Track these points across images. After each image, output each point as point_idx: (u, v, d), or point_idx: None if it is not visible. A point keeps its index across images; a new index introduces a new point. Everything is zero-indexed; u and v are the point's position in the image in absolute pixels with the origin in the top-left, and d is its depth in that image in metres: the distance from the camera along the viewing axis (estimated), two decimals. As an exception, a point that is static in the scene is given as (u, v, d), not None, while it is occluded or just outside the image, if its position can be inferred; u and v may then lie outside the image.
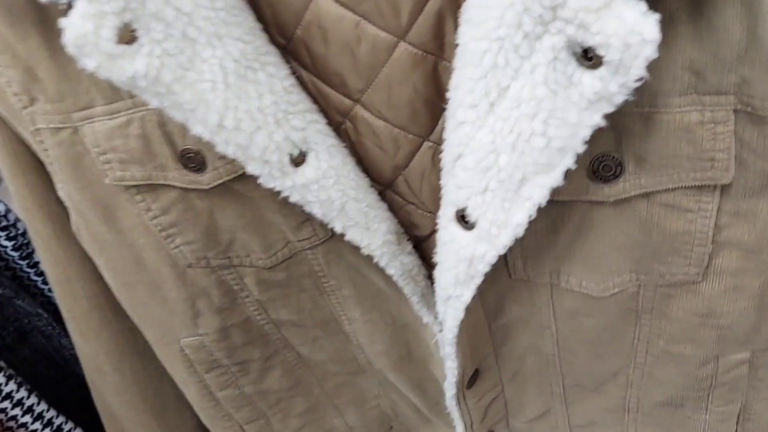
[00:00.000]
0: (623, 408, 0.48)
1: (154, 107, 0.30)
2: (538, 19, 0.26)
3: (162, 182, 0.38)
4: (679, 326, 0.39)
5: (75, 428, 0.62)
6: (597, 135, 0.28)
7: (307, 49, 0.35)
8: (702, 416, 0.45)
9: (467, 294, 0.36)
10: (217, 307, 0.45)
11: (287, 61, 0.36)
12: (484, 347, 0.45)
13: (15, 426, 0.57)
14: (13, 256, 0.63)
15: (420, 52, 0.34)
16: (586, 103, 0.26)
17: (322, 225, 0.38)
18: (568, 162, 0.28)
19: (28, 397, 0.57)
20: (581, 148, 0.28)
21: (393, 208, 0.42)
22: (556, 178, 0.29)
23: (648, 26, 0.23)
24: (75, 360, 0.60)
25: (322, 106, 0.37)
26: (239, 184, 0.38)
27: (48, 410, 0.59)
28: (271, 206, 0.39)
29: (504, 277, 0.42)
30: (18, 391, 0.57)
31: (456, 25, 0.31)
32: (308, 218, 0.39)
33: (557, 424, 0.53)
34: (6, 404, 0.56)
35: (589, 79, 0.26)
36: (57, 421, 0.60)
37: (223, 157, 0.35)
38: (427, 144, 0.38)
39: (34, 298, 0.64)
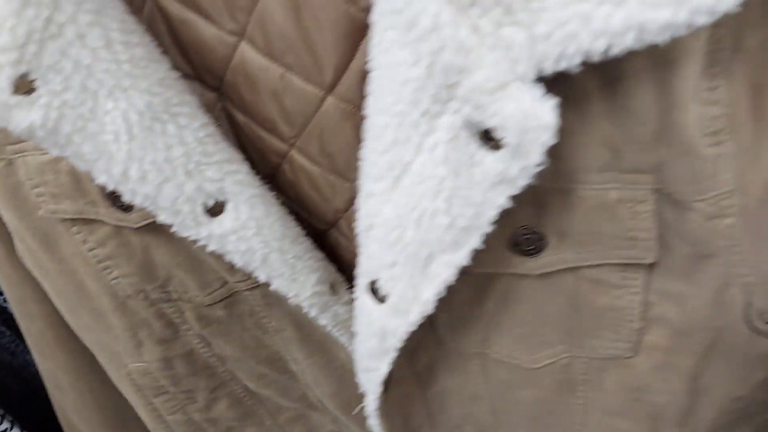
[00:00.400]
0: None
1: None
2: (434, 97, 0.24)
3: (94, 217, 0.38)
4: (614, 400, 0.37)
5: None
6: (516, 209, 0.26)
7: (238, 94, 0.35)
8: None
9: (383, 368, 0.35)
10: (159, 338, 0.45)
11: (221, 103, 0.35)
12: (417, 416, 0.44)
13: None
14: None
15: (350, 106, 0.33)
16: (489, 183, 0.25)
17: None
18: (475, 242, 0.27)
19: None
20: (488, 228, 0.26)
21: (339, 248, 0.41)
22: (463, 257, 0.27)
23: (545, 111, 0.22)
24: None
25: (259, 147, 0.37)
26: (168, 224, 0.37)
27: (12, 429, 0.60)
28: (203, 248, 0.39)
29: (433, 346, 0.40)
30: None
31: None
32: None
33: None
34: None
35: (490, 161, 0.24)
36: None
37: None
38: None
39: None
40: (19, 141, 0.36)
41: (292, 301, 0.37)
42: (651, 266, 0.30)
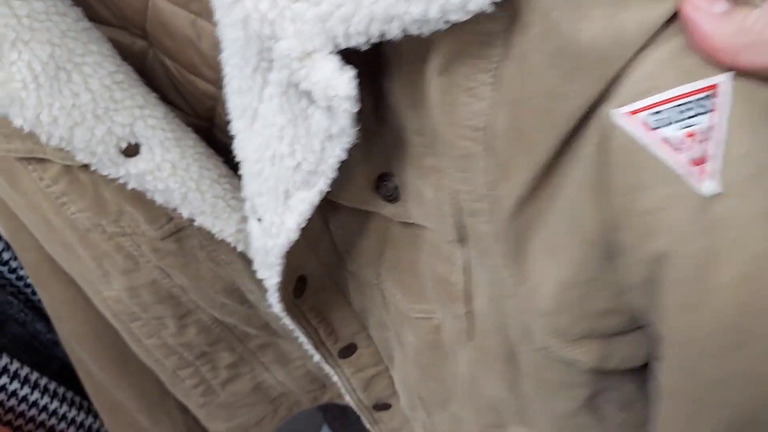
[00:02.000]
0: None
1: None
2: (259, 56, 0.26)
3: (42, 156, 0.41)
4: (467, 380, 0.39)
5: (67, 391, 0.67)
6: (375, 154, 0.28)
7: (160, 41, 0.37)
8: None
9: (274, 277, 0.37)
10: (122, 269, 0.49)
11: (151, 50, 0.37)
12: (351, 324, 0.46)
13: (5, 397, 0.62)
14: None
15: None
16: (324, 135, 0.26)
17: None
18: (324, 184, 0.29)
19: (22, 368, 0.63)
20: (332, 174, 0.28)
21: None
22: (315, 196, 0.29)
23: (344, 82, 0.23)
24: (54, 344, 0.63)
25: (191, 91, 0.39)
26: None
27: (30, 372, 0.64)
28: None
29: (337, 266, 0.43)
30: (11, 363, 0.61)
31: None
32: None
33: (426, 426, 0.53)
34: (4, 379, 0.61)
35: (318, 116, 0.26)
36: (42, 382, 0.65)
37: None
38: None
39: (2, 288, 0.66)
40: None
41: (217, 236, 0.40)
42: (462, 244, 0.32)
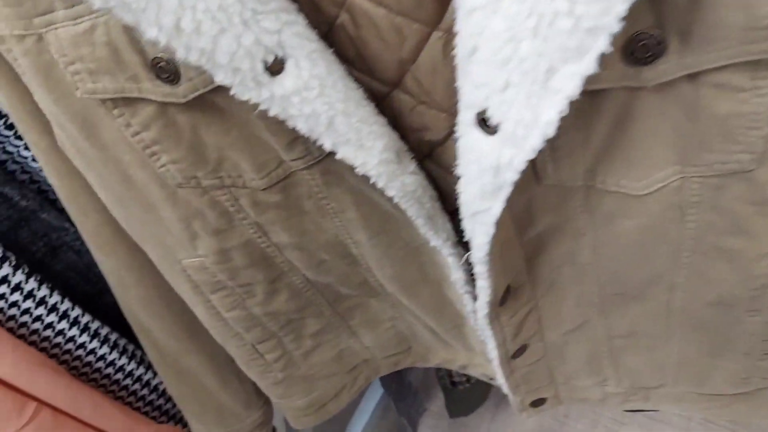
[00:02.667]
0: (667, 313, 0.45)
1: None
2: None
3: (137, 95, 0.34)
4: (731, 218, 0.35)
5: (111, 332, 0.62)
6: (633, 10, 0.23)
7: None
8: (754, 318, 0.41)
9: (496, 207, 0.32)
10: (214, 229, 0.43)
11: None
12: (515, 262, 0.42)
13: (52, 334, 0.58)
14: (34, 168, 0.61)
15: None
16: None
17: (316, 144, 0.35)
18: (602, 44, 0.23)
19: (62, 302, 0.58)
20: (617, 27, 0.23)
21: (402, 111, 0.37)
22: (588, 65, 0.24)
23: None
24: None
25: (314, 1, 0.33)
26: (219, 97, 0.34)
27: (83, 315, 0.59)
28: (257, 122, 0.35)
29: (532, 184, 0.38)
30: (51, 295, 0.57)
31: None
32: (299, 135, 0.36)
33: (595, 335, 0.50)
34: (41, 310, 0.56)
35: None
36: (93, 326, 0.60)
37: (197, 67, 0.31)
38: (436, 34, 0.33)
39: (60, 212, 0.62)
40: (47, 12, 0.32)
41: (360, 170, 0.35)
42: None
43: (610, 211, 0.38)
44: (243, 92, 0.30)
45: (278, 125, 0.34)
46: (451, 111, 0.35)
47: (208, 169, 0.39)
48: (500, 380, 0.54)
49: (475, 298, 0.43)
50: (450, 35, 0.32)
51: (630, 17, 0.23)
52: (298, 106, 0.31)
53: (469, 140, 0.32)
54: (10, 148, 0.56)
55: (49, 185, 0.61)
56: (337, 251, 0.46)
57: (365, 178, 0.36)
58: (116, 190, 0.42)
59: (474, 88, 0.29)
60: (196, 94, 0.33)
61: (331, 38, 0.34)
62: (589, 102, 0.31)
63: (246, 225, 0.43)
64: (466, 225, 0.37)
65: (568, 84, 0.25)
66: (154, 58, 0.32)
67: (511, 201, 0.34)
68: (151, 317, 0.56)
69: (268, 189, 0.40)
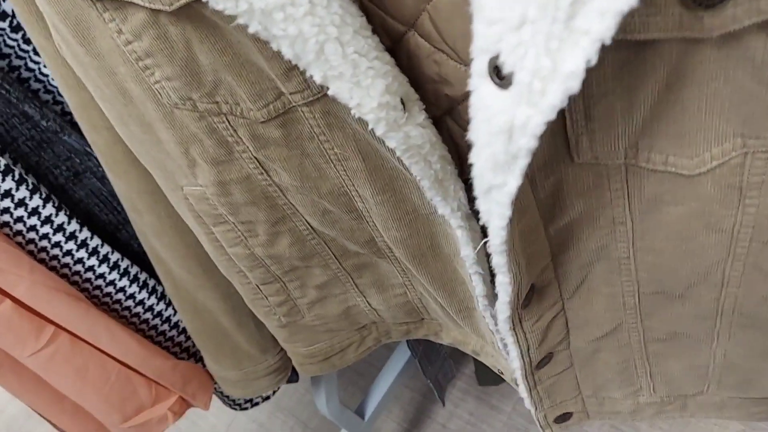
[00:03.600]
0: (715, 312, 0.39)
1: None
2: None
3: None
4: None
5: (131, 266, 0.61)
6: None
7: None
8: None
9: (512, 182, 0.27)
10: (213, 158, 0.40)
11: None
12: (541, 256, 0.37)
13: (71, 261, 0.57)
14: (56, 87, 0.58)
15: None
16: None
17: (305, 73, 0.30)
18: None
19: (80, 231, 0.57)
20: None
21: (418, 57, 0.32)
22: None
23: None
24: None
25: None
26: (207, 9, 0.30)
27: (102, 245, 0.59)
28: (249, 43, 0.32)
29: (564, 161, 0.32)
30: (69, 223, 0.56)
31: None
32: (296, 66, 0.31)
33: (629, 341, 0.45)
34: (59, 236, 0.56)
35: None
36: (112, 258, 0.60)
37: None
38: None
39: (83, 136, 0.58)
40: None
41: (355, 112, 0.30)
42: None
43: (655, 196, 0.32)
44: (216, 1, 0.26)
45: (273, 51, 0.30)
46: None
47: (203, 91, 0.36)
48: (522, 393, 0.49)
49: (492, 284, 0.38)
50: None
51: None
52: (281, 24, 0.27)
53: (480, 95, 0.26)
54: (31, 65, 0.54)
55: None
56: (342, 202, 0.42)
57: (366, 124, 0.31)
58: (115, 105, 0.39)
59: (486, 26, 0.24)
60: (181, 3, 0.30)
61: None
62: (634, 57, 0.25)
63: (246, 159, 0.40)
64: (481, 205, 0.31)
65: (599, 23, 0.20)
66: None
67: (536, 181, 0.29)
68: (165, 247, 0.55)
69: (266, 122, 0.37)
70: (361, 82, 0.29)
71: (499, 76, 0.25)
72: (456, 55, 0.31)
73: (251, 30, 0.27)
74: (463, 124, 0.35)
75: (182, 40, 0.33)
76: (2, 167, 0.50)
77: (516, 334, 0.41)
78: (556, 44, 0.21)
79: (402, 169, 0.36)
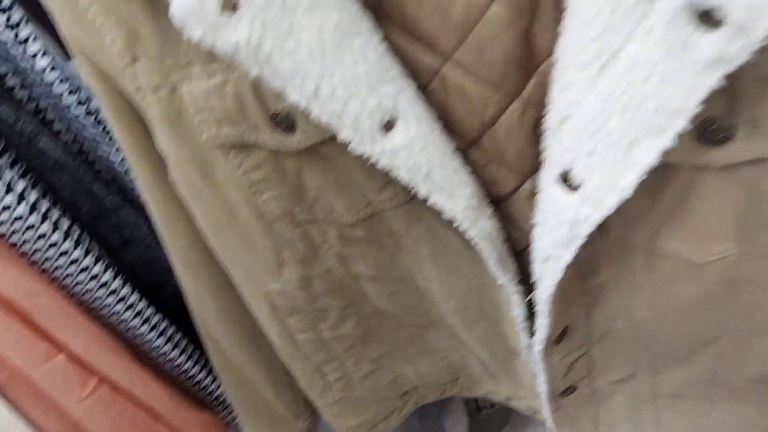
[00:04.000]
0: (711, 381, 0.47)
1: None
2: None
3: (254, 142, 0.39)
4: None
5: (169, 327, 0.70)
6: (709, 97, 0.27)
7: (399, 9, 0.35)
8: None
9: (567, 255, 0.36)
10: (301, 258, 0.48)
11: (378, 20, 0.36)
12: (575, 306, 0.46)
13: (117, 320, 0.66)
14: (119, 171, 0.69)
15: (514, 11, 0.33)
16: (703, 65, 0.25)
17: (404, 188, 0.39)
18: (681, 124, 0.28)
19: (130, 295, 0.66)
20: (696, 110, 0.27)
21: (476, 167, 0.42)
22: (667, 141, 0.28)
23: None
24: (170, 270, 0.65)
25: (410, 65, 0.37)
26: (327, 147, 0.38)
27: (147, 308, 0.67)
28: (357, 169, 0.40)
29: (599, 239, 0.41)
30: (123, 288, 0.65)
31: None
32: (391, 181, 0.40)
33: (641, 390, 0.53)
34: (111, 299, 0.64)
35: (707, 41, 0.25)
36: (154, 320, 0.68)
37: (316, 123, 0.35)
38: (516, 103, 0.37)
39: (138, 210, 0.70)
40: (186, 66, 0.37)
41: (447, 214, 0.39)
42: None
43: (670, 273, 0.41)
44: (359, 147, 0.34)
45: (375, 171, 0.38)
46: (519, 171, 0.40)
47: (304, 206, 0.43)
48: (546, 414, 0.57)
49: (532, 334, 0.47)
50: (527, 105, 0.36)
51: (706, 102, 0.27)
52: (403, 159, 0.35)
53: (549, 195, 0.36)
54: (99, 152, 0.63)
55: (130, 186, 0.69)
56: (407, 284, 0.50)
57: (444, 220, 0.40)
58: (218, 222, 0.46)
59: (562, 152, 0.33)
60: (308, 144, 0.38)
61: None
62: (659, 173, 0.35)
63: (330, 256, 0.48)
64: (537, 268, 0.41)
65: (648, 155, 0.30)
66: (275, 111, 0.37)
67: (577, 251, 0.38)
68: (222, 331, 0.61)
69: (354, 225, 0.45)
70: (454, 193, 0.38)
71: (566, 183, 0.34)
72: (507, 164, 0.41)
73: (380, 165, 0.35)
74: (507, 214, 0.44)
75: (295, 170, 0.41)
76: (75, 239, 0.57)
77: (546, 363, 0.49)
78: (617, 168, 0.31)
79: (464, 250, 0.45)
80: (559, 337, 0.46)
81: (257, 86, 0.36)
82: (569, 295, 0.45)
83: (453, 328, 0.55)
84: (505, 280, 0.45)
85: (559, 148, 0.33)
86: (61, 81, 0.61)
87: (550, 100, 0.32)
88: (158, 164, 0.46)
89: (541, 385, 0.52)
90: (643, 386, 0.51)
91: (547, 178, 0.36)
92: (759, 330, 0.41)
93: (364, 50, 0.32)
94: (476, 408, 0.94)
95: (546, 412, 0.56)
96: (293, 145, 0.38)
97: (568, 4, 0.29)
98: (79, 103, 0.62)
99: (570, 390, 0.52)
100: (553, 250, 0.38)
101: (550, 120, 0.33)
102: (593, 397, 0.56)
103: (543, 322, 0.44)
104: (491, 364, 0.58)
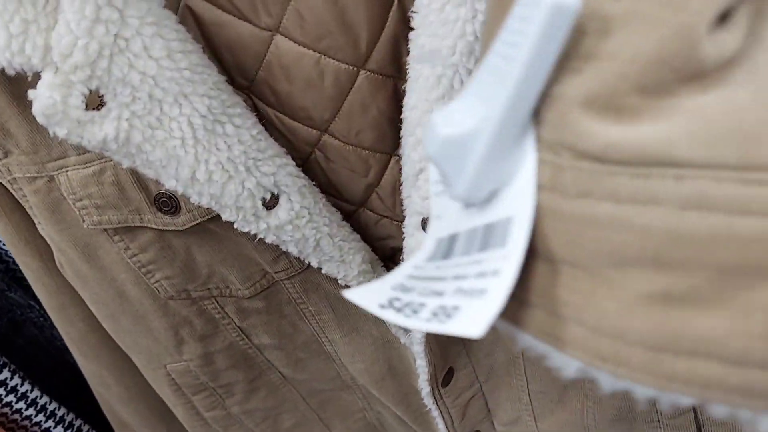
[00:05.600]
0: (584, 426, 0.49)
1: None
2: None
3: (138, 224, 0.39)
4: None
5: (68, 413, 0.64)
6: None
7: (270, 88, 0.36)
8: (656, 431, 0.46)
9: None
10: (200, 335, 0.47)
11: (251, 102, 0.37)
12: (454, 346, 0.47)
13: (20, 419, 0.60)
14: (5, 250, 0.65)
15: (380, 77, 0.35)
16: None
17: (297, 258, 0.39)
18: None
19: (32, 390, 0.60)
20: None
21: (368, 225, 0.43)
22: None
23: None
24: (66, 350, 0.63)
25: (290, 139, 0.38)
26: (214, 223, 0.39)
27: (50, 402, 0.62)
28: (247, 243, 0.40)
29: None
30: (22, 384, 0.60)
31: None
32: (284, 252, 0.40)
33: None
34: (11, 398, 0.59)
35: None
36: (50, 407, 0.62)
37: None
38: (394, 159, 0.39)
39: (26, 291, 0.65)
40: (61, 157, 0.36)
41: (341, 281, 0.40)
42: None
43: None
44: (244, 225, 0.35)
45: (265, 245, 0.39)
46: None
47: (198, 282, 0.43)
48: None
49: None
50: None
51: None
52: (290, 233, 0.36)
53: (414, 240, 0.38)
54: None
55: (17, 265, 0.65)
56: (313, 349, 0.50)
57: (340, 284, 0.41)
58: (110, 306, 0.45)
59: (421, 200, 0.35)
60: (194, 223, 0.38)
61: (306, 171, 0.40)
62: None
63: (230, 329, 0.47)
64: None
65: None
66: (158, 193, 0.37)
67: None
68: (131, 413, 0.58)
69: (252, 297, 0.45)
70: (346, 260, 0.39)
71: (425, 228, 0.36)
72: (397, 217, 0.42)
73: (268, 240, 0.36)
74: None
75: (183, 248, 0.41)
76: None
77: (439, 407, 0.50)
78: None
79: (365, 312, 0.46)
80: (446, 380, 0.47)
81: (136, 171, 0.36)
82: (446, 336, 0.46)
83: (365, 388, 0.55)
84: (406, 339, 0.46)
85: (418, 197, 0.35)
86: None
87: (405, 154, 0.34)
88: (45, 250, 0.44)
89: (441, 431, 0.52)
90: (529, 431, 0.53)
91: (411, 225, 0.37)
92: None
93: (239, 133, 0.32)
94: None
95: None
96: (179, 225, 0.38)
97: (411, 66, 0.31)
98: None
99: None
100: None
101: (407, 173, 0.35)
102: None
103: (421, 364, 0.45)
104: (407, 419, 0.58)
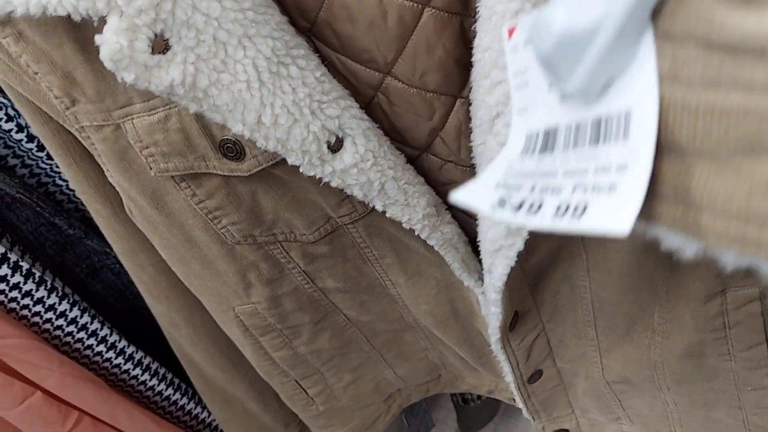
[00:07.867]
0: (651, 361, 0.48)
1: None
2: None
3: (204, 171, 0.39)
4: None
5: (145, 357, 0.68)
6: None
7: (332, 30, 0.35)
8: (729, 364, 0.44)
9: (519, 242, 0.36)
10: (267, 279, 0.47)
11: (313, 44, 0.35)
12: (520, 290, 0.46)
13: (101, 360, 0.65)
14: (80, 199, 0.67)
15: (446, 14, 0.33)
16: None
17: (361, 202, 0.39)
18: None
19: (101, 329, 0.64)
20: None
21: (432, 170, 0.42)
22: None
23: None
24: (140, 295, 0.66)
25: (352, 83, 0.37)
26: (278, 168, 0.38)
27: (120, 340, 0.66)
28: (311, 187, 0.40)
29: None
30: (92, 323, 0.64)
31: None
32: (347, 196, 0.40)
33: (593, 374, 0.54)
34: (92, 341, 0.63)
35: None
36: (128, 351, 0.67)
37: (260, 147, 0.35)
38: (460, 101, 0.37)
39: (102, 238, 0.67)
40: (126, 105, 0.36)
41: (405, 225, 0.39)
42: None
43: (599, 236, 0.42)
44: (309, 170, 0.34)
45: (329, 189, 0.38)
46: (474, 166, 0.40)
47: (263, 228, 0.43)
48: (519, 404, 0.58)
49: None
50: (469, 101, 0.36)
51: None
52: (355, 177, 0.35)
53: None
54: (59, 182, 0.63)
55: None
56: (377, 292, 0.50)
57: (403, 228, 0.40)
58: (179, 250, 0.46)
59: (499, 146, 0.33)
60: (259, 168, 0.38)
61: (369, 114, 0.38)
62: None
63: (295, 273, 0.48)
64: (486, 259, 0.41)
65: None
66: (222, 139, 0.37)
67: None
68: (199, 352, 0.60)
69: (316, 242, 0.45)
70: (410, 203, 0.38)
71: None
72: (461, 162, 0.41)
73: (333, 184, 0.35)
74: (468, 211, 0.44)
75: (249, 194, 0.41)
76: (37, 279, 0.57)
77: (506, 352, 0.49)
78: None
79: (428, 254, 0.45)
80: (512, 323, 0.47)
81: (201, 117, 0.36)
82: (514, 280, 0.45)
83: (428, 329, 0.56)
84: (470, 281, 0.45)
85: (496, 143, 0.33)
86: (8, 119, 0.59)
87: (480, 98, 0.32)
88: (115, 197, 0.45)
89: (507, 375, 0.52)
90: (593, 369, 0.52)
91: None
92: (671, 293, 0.41)
93: (303, 75, 0.31)
94: (462, 401, 0.94)
95: (519, 402, 0.57)
96: (244, 171, 0.38)
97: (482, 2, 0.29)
98: (29, 138, 0.60)
99: (537, 375, 0.53)
100: (504, 239, 0.38)
101: (482, 117, 0.33)
102: (560, 381, 0.56)
103: (495, 311, 0.44)
104: (470, 359, 0.58)
